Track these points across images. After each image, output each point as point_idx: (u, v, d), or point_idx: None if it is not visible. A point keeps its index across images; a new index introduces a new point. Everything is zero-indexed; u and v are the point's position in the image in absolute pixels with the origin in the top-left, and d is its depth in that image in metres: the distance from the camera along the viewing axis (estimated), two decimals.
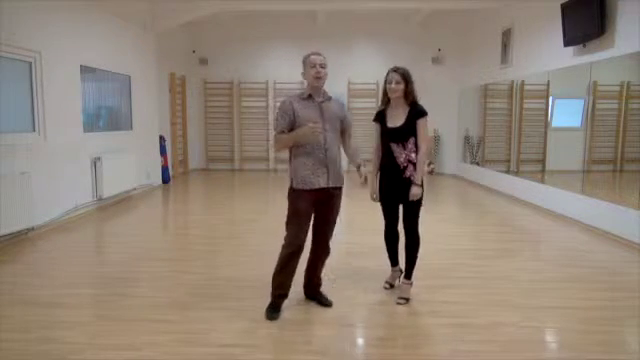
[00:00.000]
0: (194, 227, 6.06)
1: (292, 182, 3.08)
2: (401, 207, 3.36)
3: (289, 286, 3.15)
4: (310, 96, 3.07)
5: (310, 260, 3.29)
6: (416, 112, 3.27)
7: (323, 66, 3.05)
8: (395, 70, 3.27)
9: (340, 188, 3.16)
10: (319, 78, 3.04)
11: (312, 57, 3.06)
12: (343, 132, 3.21)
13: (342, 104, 3.25)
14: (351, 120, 3.27)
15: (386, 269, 3.66)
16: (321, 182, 3.02)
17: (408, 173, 3.26)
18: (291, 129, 3.02)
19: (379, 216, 3.49)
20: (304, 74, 3.11)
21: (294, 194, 3.07)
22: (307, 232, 3.09)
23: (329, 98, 3.14)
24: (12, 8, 4.88)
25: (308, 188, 3.01)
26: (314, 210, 3.11)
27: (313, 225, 3.17)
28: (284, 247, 3.08)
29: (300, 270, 3.23)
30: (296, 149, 3.06)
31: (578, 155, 6.26)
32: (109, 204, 6.77)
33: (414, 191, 3.24)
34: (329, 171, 3.04)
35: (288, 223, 3.09)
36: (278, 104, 3.15)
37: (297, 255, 3.08)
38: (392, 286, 3.54)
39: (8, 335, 2.84)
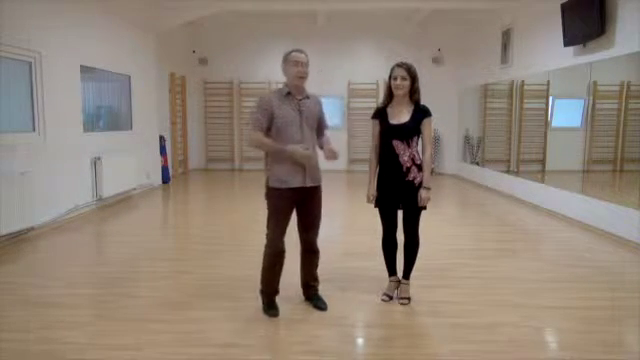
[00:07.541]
0: (194, 227, 6.06)
1: (268, 180, 3.05)
2: (400, 211, 3.27)
3: (277, 283, 3.13)
4: (289, 93, 3.02)
5: (300, 261, 3.26)
6: (423, 111, 3.17)
7: (305, 65, 3.00)
8: (400, 65, 3.12)
9: (317, 187, 3.12)
10: (302, 77, 2.99)
11: (295, 54, 3.00)
12: (318, 130, 3.16)
13: (319, 102, 3.19)
14: (327, 120, 3.25)
15: (385, 269, 3.61)
16: (297, 181, 2.99)
17: (411, 176, 3.16)
18: (269, 127, 2.99)
19: (379, 216, 3.45)
20: (284, 71, 3.05)
21: (270, 192, 3.04)
22: (285, 232, 3.05)
23: (307, 96, 3.09)
24: (12, 8, 4.88)
25: (284, 187, 2.98)
26: (295, 210, 3.09)
27: (297, 226, 3.15)
28: (265, 247, 3.07)
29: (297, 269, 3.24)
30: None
31: (578, 155, 6.26)
32: (109, 204, 6.77)
33: (425, 195, 3.14)
34: (306, 170, 3.00)
35: (268, 222, 3.06)
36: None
37: (278, 256, 3.06)
38: (391, 298, 3.36)
39: (8, 335, 2.84)
